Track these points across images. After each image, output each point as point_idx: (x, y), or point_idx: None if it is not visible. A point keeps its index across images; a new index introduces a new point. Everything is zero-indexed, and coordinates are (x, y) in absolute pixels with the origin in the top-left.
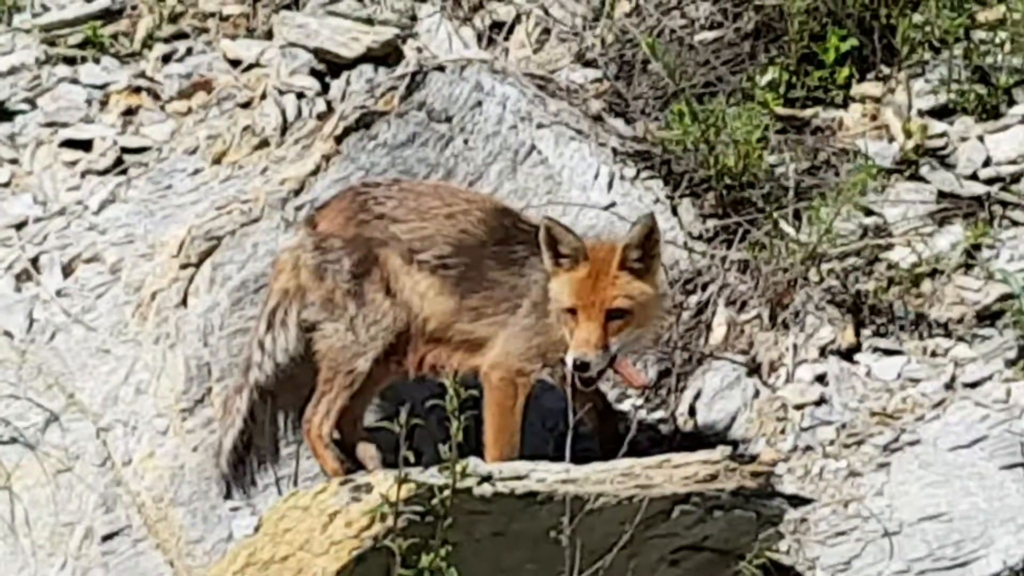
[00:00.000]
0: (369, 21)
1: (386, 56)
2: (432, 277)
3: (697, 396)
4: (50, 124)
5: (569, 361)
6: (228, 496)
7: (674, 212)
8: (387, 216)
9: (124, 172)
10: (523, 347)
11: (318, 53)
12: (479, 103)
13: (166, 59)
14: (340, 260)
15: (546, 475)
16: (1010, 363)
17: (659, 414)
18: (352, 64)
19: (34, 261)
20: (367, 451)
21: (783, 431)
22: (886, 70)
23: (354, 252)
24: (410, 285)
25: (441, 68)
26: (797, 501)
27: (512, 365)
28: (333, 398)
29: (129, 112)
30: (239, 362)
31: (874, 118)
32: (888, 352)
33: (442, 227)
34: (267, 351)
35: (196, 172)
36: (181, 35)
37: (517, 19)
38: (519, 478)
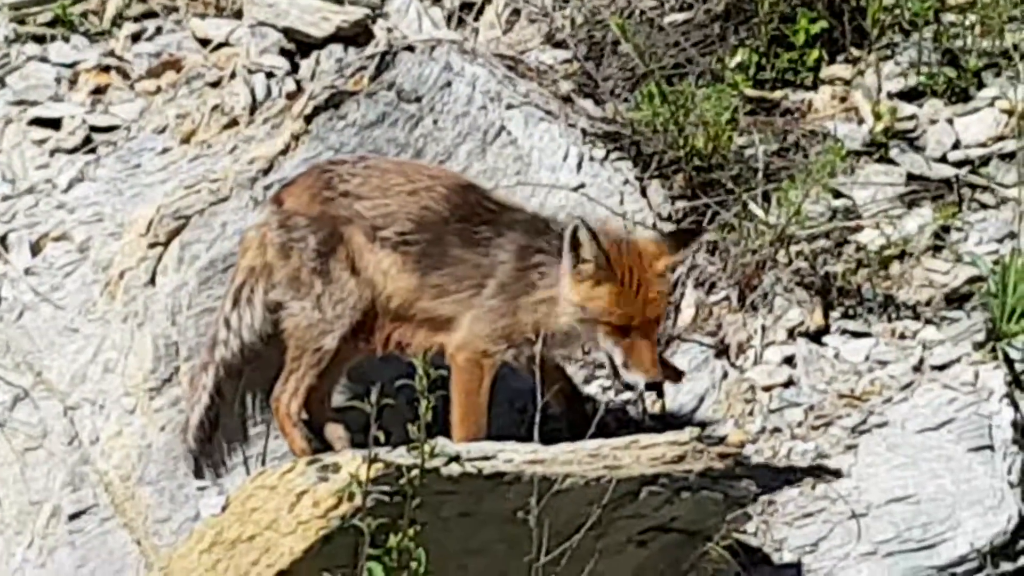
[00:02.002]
0: (339, 1)
1: (356, 36)
2: (394, 254)
3: (662, 352)
4: (19, 102)
5: (640, 385)
6: (198, 474)
7: (643, 193)
8: (351, 194)
9: (93, 151)
10: (488, 329)
11: (288, 32)
12: (448, 83)
13: (135, 38)
14: (305, 238)
15: (514, 455)
16: (978, 346)
17: (627, 395)
18: (322, 44)
19: (2, 239)
20: (335, 431)
21: (751, 413)
22: (856, 52)
23: (319, 230)
24: (374, 263)
25: (411, 48)
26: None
27: (477, 347)
28: (301, 376)
29: (98, 91)
30: (206, 340)
31: (843, 100)
32: (856, 334)
33: (404, 204)
34: (233, 329)
35: (165, 151)
36: (150, 14)
37: (487, 0)
38: (487, 458)
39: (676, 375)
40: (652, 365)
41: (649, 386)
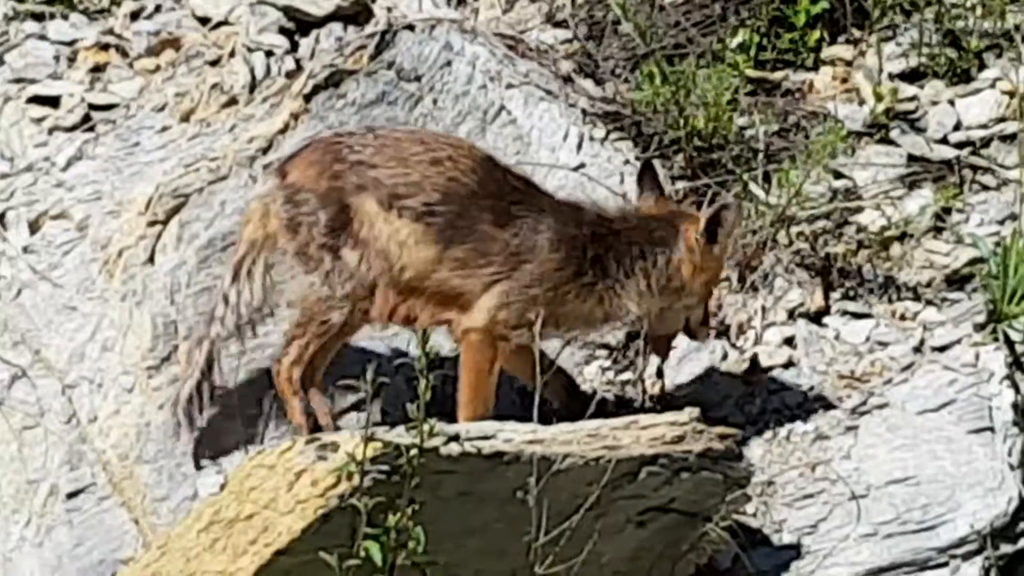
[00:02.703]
0: None
1: (356, 14)
2: (415, 224)
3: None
4: (18, 80)
5: (704, 341)
6: (196, 460)
7: None
8: (365, 163)
9: (92, 129)
10: (516, 317)
11: (287, 11)
12: (448, 63)
13: (135, 16)
14: (315, 213)
15: (513, 435)
16: (979, 327)
17: (626, 376)
18: (321, 22)
19: (0, 217)
20: (321, 405)
21: (751, 393)
22: (857, 33)
23: (329, 206)
24: (388, 232)
25: (411, 27)
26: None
27: (497, 331)
28: (305, 344)
29: (97, 69)
30: (204, 315)
31: (844, 81)
32: (857, 315)
33: (428, 173)
34: (231, 304)
35: (164, 129)
36: None
37: None
38: (486, 438)
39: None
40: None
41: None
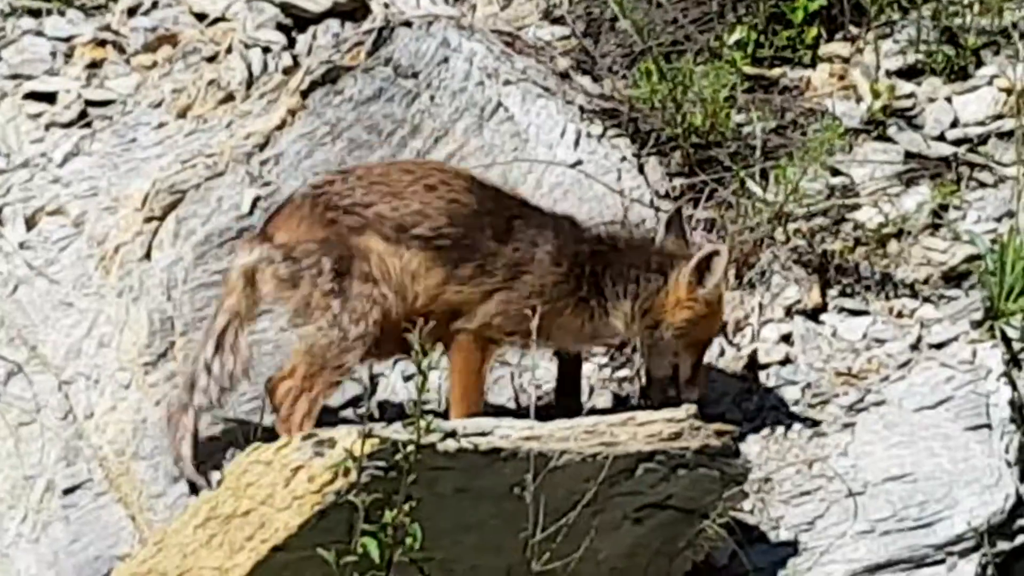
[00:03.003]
0: None
1: (353, 11)
2: (424, 252)
3: None
4: (14, 76)
5: (693, 398)
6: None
7: (641, 170)
8: (359, 204)
9: (88, 125)
10: (513, 325)
11: (284, 7)
12: (446, 59)
13: (131, 12)
14: (318, 263)
15: (510, 431)
16: (976, 324)
17: (624, 372)
18: (318, 19)
19: None
20: None
21: (748, 390)
22: (854, 30)
23: (331, 252)
24: (400, 266)
25: (408, 24)
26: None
27: (490, 334)
28: (315, 396)
29: (94, 65)
30: (184, 378)
31: (842, 78)
32: (854, 312)
33: (427, 199)
34: (214, 375)
35: (161, 126)
36: None
37: None
38: (483, 434)
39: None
40: (706, 377)
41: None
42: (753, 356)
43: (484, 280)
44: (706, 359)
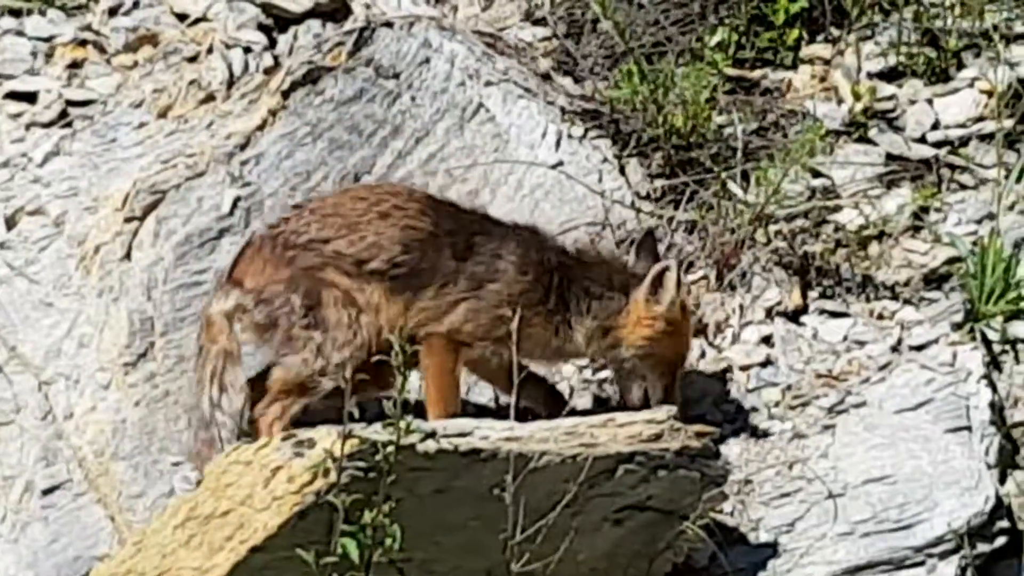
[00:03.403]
0: None
1: (334, 11)
2: (382, 284)
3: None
4: None
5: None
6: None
7: (622, 172)
8: (316, 240)
9: (69, 125)
10: (483, 332)
11: (265, 8)
12: (427, 60)
13: (112, 12)
14: (288, 301)
15: (490, 432)
16: (956, 326)
17: (605, 373)
18: (300, 19)
19: None
20: None
21: (728, 392)
22: (836, 32)
23: (299, 287)
24: (364, 300)
25: (389, 24)
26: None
27: (460, 338)
28: (289, 404)
29: (74, 65)
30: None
31: (823, 80)
32: (834, 314)
33: (382, 229)
34: (228, 413)
35: (141, 126)
36: None
37: None
38: (463, 435)
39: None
40: (679, 396)
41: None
42: (733, 357)
43: (447, 294)
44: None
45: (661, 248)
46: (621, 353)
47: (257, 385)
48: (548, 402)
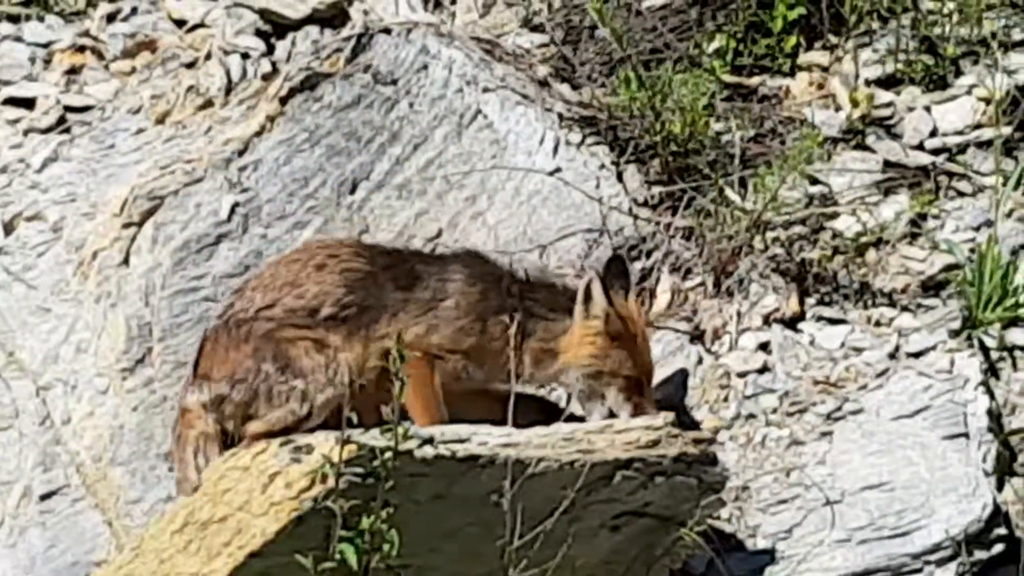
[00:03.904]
0: None
1: (332, 18)
2: (337, 329)
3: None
4: None
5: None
6: None
7: (619, 178)
8: (262, 308)
9: (67, 131)
10: (451, 343)
11: (263, 14)
12: (425, 66)
13: (111, 18)
14: (260, 371)
15: (488, 439)
16: (954, 333)
17: None
18: (298, 25)
19: None
20: None
21: (726, 399)
22: (833, 39)
23: (265, 355)
24: (331, 344)
25: (387, 31)
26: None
27: (429, 349)
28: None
29: (73, 71)
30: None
31: (821, 87)
32: (832, 321)
33: (321, 278)
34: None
35: (139, 132)
36: None
37: None
38: (461, 441)
39: None
40: (655, 410)
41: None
42: (731, 364)
43: (400, 321)
44: (683, 367)
45: (636, 267)
46: (570, 376)
47: None
48: (545, 415)
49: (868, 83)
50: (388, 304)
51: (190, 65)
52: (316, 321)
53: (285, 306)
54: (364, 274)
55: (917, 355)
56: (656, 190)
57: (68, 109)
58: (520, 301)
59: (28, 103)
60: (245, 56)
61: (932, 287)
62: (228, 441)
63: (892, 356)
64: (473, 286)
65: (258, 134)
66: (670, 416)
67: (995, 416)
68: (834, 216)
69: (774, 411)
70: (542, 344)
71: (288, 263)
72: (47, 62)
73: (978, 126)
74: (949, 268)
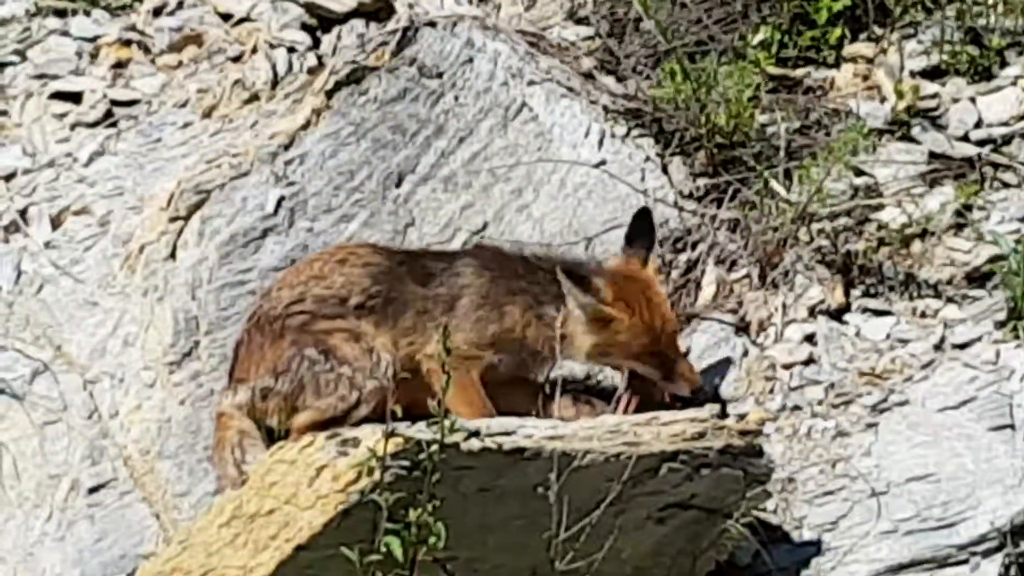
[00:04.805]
0: None
1: (377, 11)
2: (366, 319)
3: (686, 354)
4: (40, 76)
5: (686, 393)
6: None
7: (664, 170)
8: (292, 303)
9: (114, 125)
10: (476, 337)
11: (309, 8)
12: (470, 59)
13: (157, 12)
14: (304, 357)
15: (534, 431)
16: (999, 324)
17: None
18: (343, 19)
19: (22, 213)
20: None
21: (771, 390)
22: (878, 31)
23: (306, 342)
24: (364, 332)
25: (432, 24)
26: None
27: (460, 352)
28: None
29: (119, 65)
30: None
31: (866, 78)
32: (877, 312)
33: (344, 271)
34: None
35: (186, 126)
36: None
37: None
38: (507, 434)
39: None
40: (692, 373)
41: (695, 392)
42: (776, 356)
43: (426, 323)
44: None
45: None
46: (583, 359)
47: None
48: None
49: (913, 74)
50: (409, 298)
51: (236, 59)
52: (347, 309)
53: (315, 297)
54: (384, 268)
55: (963, 346)
56: (701, 182)
57: (115, 103)
58: (529, 285)
59: (75, 97)
60: (291, 50)
61: (977, 278)
62: (271, 438)
63: (938, 347)
64: (482, 275)
65: (304, 128)
66: (716, 408)
67: None
68: (879, 208)
69: (820, 403)
70: (555, 328)
71: (309, 263)
72: (94, 56)
73: (1023, 117)
74: (994, 259)
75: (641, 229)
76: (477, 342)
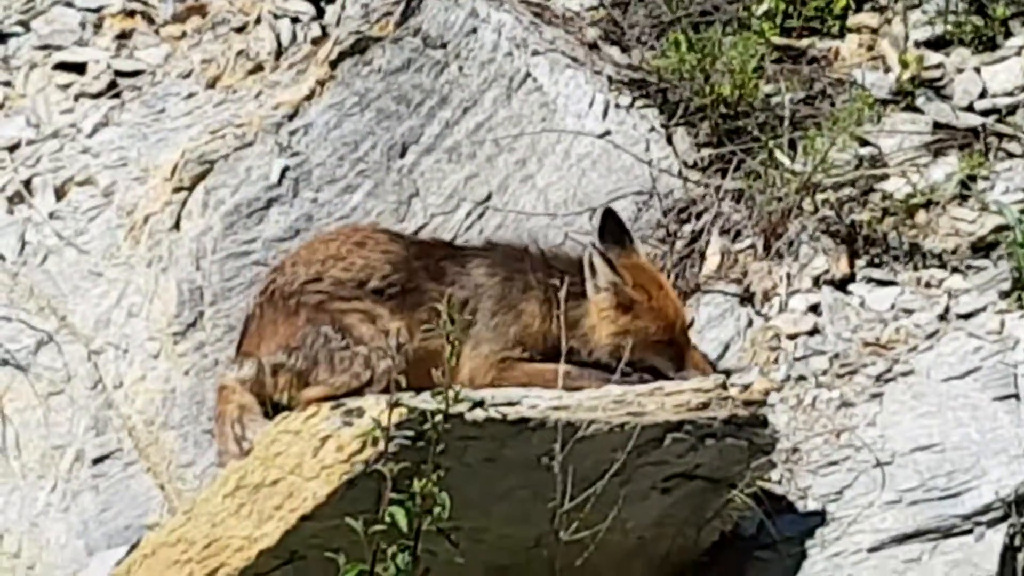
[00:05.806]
0: None
1: None
2: (383, 304)
3: (690, 325)
4: (44, 47)
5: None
6: None
7: (669, 141)
8: (309, 281)
9: (118, 95)
10: (500, 343)
11: None
12: (474, 29)
13: None
14: (320, 333)
15: (538, 401)
16: (1004, 294)
17: None
18: None
19: (27, 183)
20: None
21: (776, 360)
22: (883, 1)
23: (322, 319)
24: (380, 315)
25: None
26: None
27: (494, 361)
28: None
29: (123, 35)
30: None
31: (870, 48)
32: (882, 283)
33: (364, 254)
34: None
35: (190, 96)
36: None
37: None
38: (511, 404)
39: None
40: (705, 363)
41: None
42: (781, 326)
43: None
44: (734, 329)
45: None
46: (603, 353)
47: None
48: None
49: (917, 44)
50: (426, 293)
51: (240, 29)
52: (365, 293)
53: (333, 278)
54: (402, 259)
55: (967, 316)
56: (706, 152)
57: (119, 74)
58: (544, 278)
59: (79, 68)
60: (295, 20)
61: (982, 248)
62: (270, 412)
63: (942, 317)
64: (494, 275)
65: (308, 98)
66: (720, 378)
67: None
68: (884, 178)
69: (824, 373)
70: (571, 321)
71: (325, 241)
72: (98, 27)
73: None
74: (999, 229)
75: (612, 229)
76: (502, 347)
